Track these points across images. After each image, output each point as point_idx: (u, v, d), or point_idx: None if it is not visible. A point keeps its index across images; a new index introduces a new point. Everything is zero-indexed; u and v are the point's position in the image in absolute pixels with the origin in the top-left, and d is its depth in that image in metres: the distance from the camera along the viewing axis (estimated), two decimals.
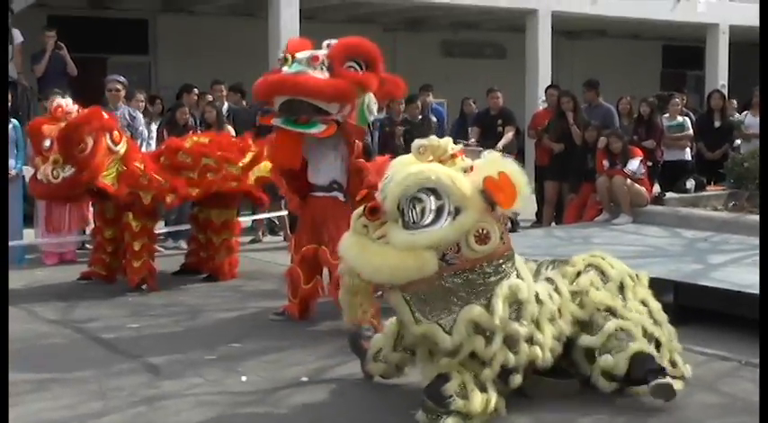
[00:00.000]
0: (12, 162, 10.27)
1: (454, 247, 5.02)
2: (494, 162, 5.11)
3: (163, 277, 9.20)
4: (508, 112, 13.14)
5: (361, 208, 5.18)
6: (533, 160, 13.38)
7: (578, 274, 5.85)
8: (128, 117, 10.75)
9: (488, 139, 12.47)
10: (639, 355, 5.42)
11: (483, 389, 5.05)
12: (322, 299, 7.63)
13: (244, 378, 6.09)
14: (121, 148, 8.62)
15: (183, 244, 11.11)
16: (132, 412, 5.45)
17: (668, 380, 5.34)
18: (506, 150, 12.18)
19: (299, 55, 7.05)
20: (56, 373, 6.25)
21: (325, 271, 7.46)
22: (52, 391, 5.87)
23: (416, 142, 5.26)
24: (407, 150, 9.62)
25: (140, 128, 10.83)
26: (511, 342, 5.12)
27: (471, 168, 5.12)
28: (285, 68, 7.05)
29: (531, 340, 5.22)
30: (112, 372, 6.28)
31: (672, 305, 7.21)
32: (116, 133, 8.63)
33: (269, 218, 11.85)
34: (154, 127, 11.51)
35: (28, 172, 10.37)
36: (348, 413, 5.44)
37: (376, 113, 7.32)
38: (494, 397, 5.07)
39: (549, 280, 5.68)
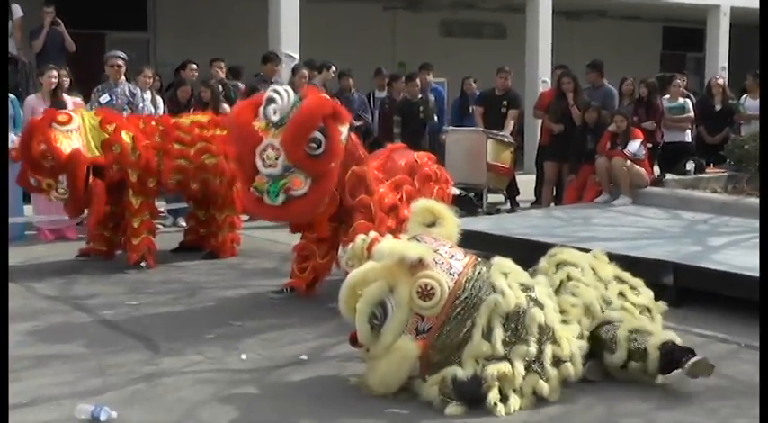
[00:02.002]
0: (11, 136, 10.22)
1: (416, 317, 5.16)
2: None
3: (162, 254, 9.18)
4: (515, 94, 13.13)
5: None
6: (537, 140, 13.37)
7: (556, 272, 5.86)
8: (128, 94, 10.68)
9: (492, 120, 12.49)
10: (663, 346, 5.40)
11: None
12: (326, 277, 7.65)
13: (243, 356, 6.09)
14: (74, 124, 8.50)
15: (182, 221, 11.10)
16: (131, 389, 5.45)
17: (699, 356, 5.33)
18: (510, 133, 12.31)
19: (266, 172, 6.85)
20: (55, 349, 6.25)
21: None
22: (52, 367, 5.87)
23: (342, 261, 5.87)
24: (403, 137, 9.72)
25: (140, 104, 10.76)
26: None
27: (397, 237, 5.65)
28: (268, 200, 6.91)
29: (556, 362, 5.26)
30: (112, 349, 6.27)
31: (671, 287, 7.26)
32: (62, 117, 8.51)
33: None
34: (160, 101, 11.41)
35: None
36: (348, 391, 5.43)
37: (347, 127, 7.23)
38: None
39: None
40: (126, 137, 8.70)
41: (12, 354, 6.07)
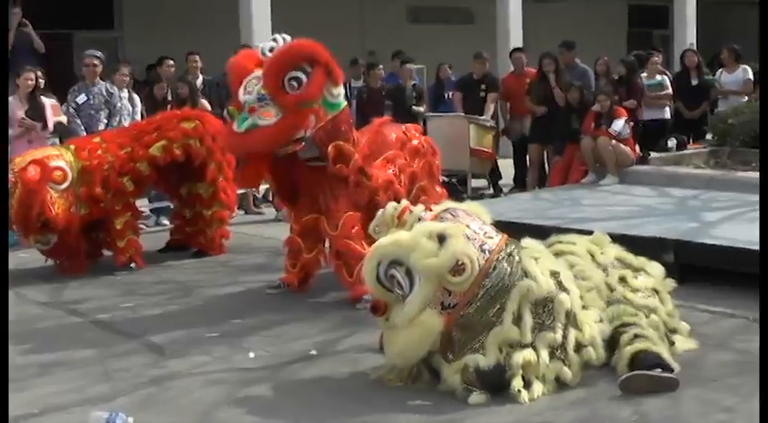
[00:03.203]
0: None
1: (443, 292, 5.05)
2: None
3: (149, 255, 9.02)
4: (492, 77, 13.09)
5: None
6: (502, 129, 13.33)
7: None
8: (105, 93, 10.50)
9: (471, 105, 12.44)
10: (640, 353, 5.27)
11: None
12: (321, 270, 7.53)
13: (251, 354, 5.98)
14: (68, 181, 8.30)
15: (165, 220, 10.96)
16: (142, 393, 5.32)
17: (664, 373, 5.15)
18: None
19: (243, 98, 6.77)
20: (57, 356, 6.11)
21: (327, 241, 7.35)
22: (56, 374, 5.73)
23: (371, 226, 5.58)
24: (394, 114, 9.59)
25: (118, 104, 10.57)
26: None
27: (428, 208, 5.44)
28: (234, 126, 6.80)
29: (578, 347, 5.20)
30: (114, 353, 6.14)
31: (672, 264, 7.20)
32: (57, 173, 8.26)
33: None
34: (137, 99, 11.24)
35: None
36: (366, 385, 5.34)
37: (342, 92, 7.08)
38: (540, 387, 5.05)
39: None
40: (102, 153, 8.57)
41: (12, 362, 5.93)
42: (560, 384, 5.13)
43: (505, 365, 4.98)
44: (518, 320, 5.05)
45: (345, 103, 7.13)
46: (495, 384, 4.99)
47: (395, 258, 5.09)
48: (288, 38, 6.92)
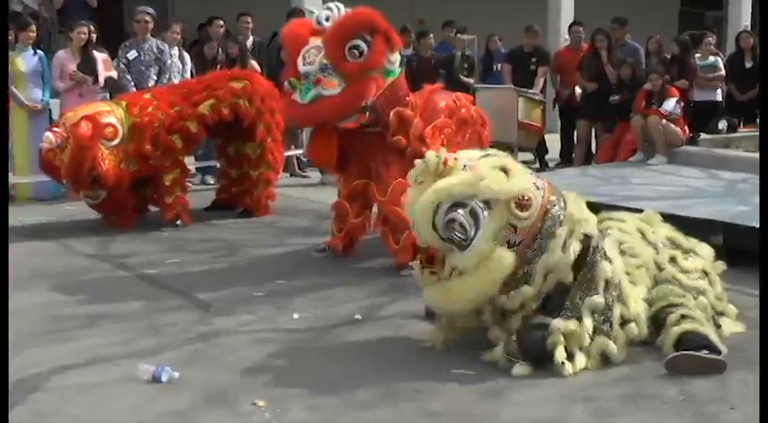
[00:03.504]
0: (38, 93, 10.10)
1: (510, 229, 4.97)
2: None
3: (195, 213, 9.08)
4: (543, 51, 13.01)
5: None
6: (553, 98, 13.23)
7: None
8: (155, 50, 10.55)
9: (520, 78, 12.35)
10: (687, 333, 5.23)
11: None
12: (367, 236, 7.53)
13: (296, 315, 5.99)
14: (118, 138, 8.39)
15: (210, 179, 11.01)
16: (189, 349, 5.35)
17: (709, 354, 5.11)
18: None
19: (304, 69, 6.74)
20: (104, 308, 6.16)
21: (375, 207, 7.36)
22: (103, 326, 5.77)
23: (411, 174, 5.24)
24: (446, 85, 9.54)
25: (168, 61, 10.61)
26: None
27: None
28: (296, 97, 6.78)
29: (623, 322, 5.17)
30: (161, 307, 6.18)
31: (720, 246, 7.13)
32: (109, 130, 8.32)
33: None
34: (187, 57, 11.26)
35: (54, 104, 10.25)
36: (410, 351, 5.34)
37: (398, 59, 7.03)
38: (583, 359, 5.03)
39: None
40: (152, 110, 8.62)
41: (61, 313, 6.07)
42: (605, 361, 5.10)
43: (547, 333, 4.97)
44: (566, 248, 5.02)
45: (401, 69, 7.08)
46: (538, 356, 4.98)
47: (459, 199, 4.93)
48: (341, 6, 6.89)
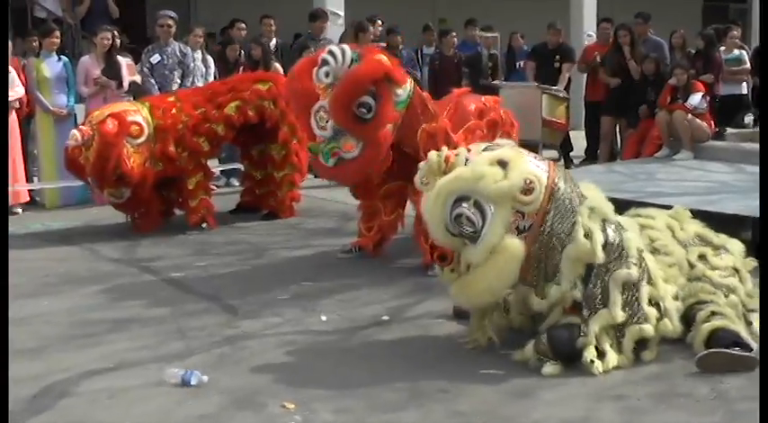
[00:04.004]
0: (63, 99, 10.14)
1: (517, 216, 4.94)
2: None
3: (220, 216, 9.09)
4: (567, 47, 12.94)
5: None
6: (583, 95, 13.15)
7: None
8: (178, 54, 10.58)
9: (544, 75, 12.30)
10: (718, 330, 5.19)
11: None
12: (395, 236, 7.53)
13: (324, 317, 5.98)
14: (144, 136, 8.39)
15: (235, 182, 11.02)
16: (217, 352, 5.35)
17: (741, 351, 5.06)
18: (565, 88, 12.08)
19: (319, 134, 6.70)
20: (131, 312, 6.17)
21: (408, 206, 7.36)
22: (131, 330, 5.78)
23: (416, 179, 5.28)
24: (471, 82, 9.48)
25: (191, 64, 10.64)
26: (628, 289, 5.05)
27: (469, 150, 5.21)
28: (322, 161, 6.76)
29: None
30: (188, 311, 6.18)
31: (750, 242, 7.06)
32: (134, 128, 8.34)
33: None
34: (211, 60, 11.28)
35: (79, 110, 10.29)
36: (439, 352, 5.32)
37: (407, 88, 6.88)
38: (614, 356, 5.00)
39: None
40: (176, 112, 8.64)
41: (88, 317, 6.09)
42: (636, 360, 5.06)
43: (579, 333, 4.94)
44: (589, 236, 5.00)
45: (411, 89, 6.92)
46: (569, 354, 4.94)
47: (461, 193, 4.91)
48: (347, 49, 6.76)
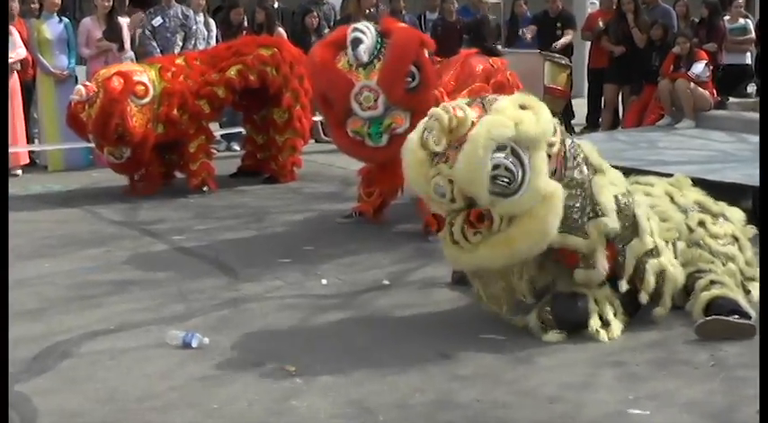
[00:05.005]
0: (64, 60, 10.10)
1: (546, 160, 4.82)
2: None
3: (221, 179, 9.09)
4: (568, 14, 12.86)
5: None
6: (586, 63, 13.10)
7: None
8: (180, 16, 10.51)
9: (545, 42, 12.22)
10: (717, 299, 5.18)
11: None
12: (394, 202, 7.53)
13: (324, 281, 6.00)
14: (148, 97, 8.39)
15: (236, 146, 11.00)
16: (217, 315, 5.36)
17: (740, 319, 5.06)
18: (564, 53, 11.98)
19: (366, 114, 6.69)
20: (132, 275, 6.20)
21: None
22: (132, 293, 5.80)
23: (418, 135, 4.84)
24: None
25: (194, 27, 10.58)
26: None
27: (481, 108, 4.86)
28: (370, 143, 6.76)
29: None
30: (189, 274, 6.19)
31: (751, 211, 7.06)
32: (140, 88, 8.33)
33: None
34: (213, 23, 11.22)
35: (80, 71, 10.26)
36: (440, 316, 5.34)
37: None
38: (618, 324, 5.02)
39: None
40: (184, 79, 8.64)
41: (89, 279, 6.10)
42: (636, 325, 5.07)
43: (582, 304, 4.95)
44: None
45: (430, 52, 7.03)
46: (573, 324, 4.96)
47: (502, 142, 4.59)
48: (370, 26, 6.80)
